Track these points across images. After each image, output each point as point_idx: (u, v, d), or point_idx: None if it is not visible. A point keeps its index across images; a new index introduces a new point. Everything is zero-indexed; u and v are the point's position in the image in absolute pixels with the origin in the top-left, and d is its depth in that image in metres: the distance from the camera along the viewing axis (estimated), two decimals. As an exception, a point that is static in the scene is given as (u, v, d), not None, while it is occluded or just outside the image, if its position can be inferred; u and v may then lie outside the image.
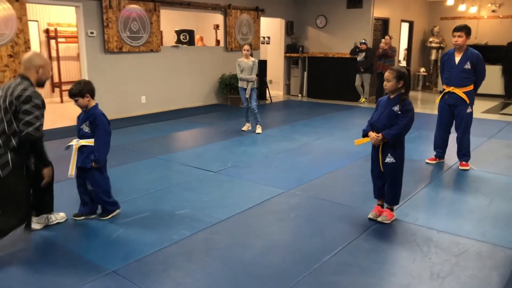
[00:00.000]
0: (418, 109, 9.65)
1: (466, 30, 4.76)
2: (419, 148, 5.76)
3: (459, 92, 4.83)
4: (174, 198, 4.01)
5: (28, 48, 6.56)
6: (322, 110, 9.13)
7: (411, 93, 12.39)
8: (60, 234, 3.26)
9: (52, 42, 9.75)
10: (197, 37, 10.34)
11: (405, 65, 12.97)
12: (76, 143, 3.40)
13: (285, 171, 4.87)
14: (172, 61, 8.90)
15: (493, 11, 11.96)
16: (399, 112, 3.22)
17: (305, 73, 11.30)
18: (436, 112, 5.22)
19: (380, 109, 3.35)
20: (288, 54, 11.49)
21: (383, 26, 11.37)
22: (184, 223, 3.45)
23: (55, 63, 9.79)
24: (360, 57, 10.01)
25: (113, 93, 7.85)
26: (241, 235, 3.27)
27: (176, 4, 8.71)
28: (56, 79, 9.87)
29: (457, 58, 4.83)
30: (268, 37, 12.04)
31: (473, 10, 12.09)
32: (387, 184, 3.40)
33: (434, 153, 5.21)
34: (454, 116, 4.97)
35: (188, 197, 4.03)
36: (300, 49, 11.42)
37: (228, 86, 9.58)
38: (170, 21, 11.13)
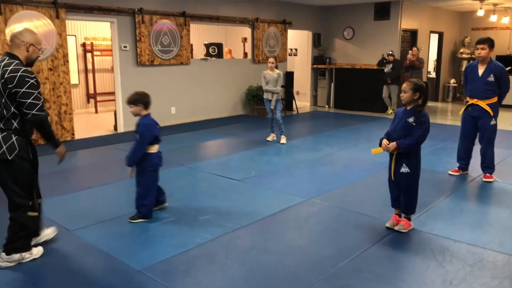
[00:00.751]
0: (447, 120, 9.58)
1: (489, 42, 4.78)
2: (443, 159, 5.76)
3: (483, 104, 4.83)
4: (198, 204, 4.20)
5: (66, 61, 6.97)
6: (348, 121, 9.20)
7: (440, 104, 12.27)
8: (93, 235, 3.49)
9: (88, 55, 10.27)
10: (225, 49, 10.64)
11: (434, 76, 12.87)
12: None
13: (307, 180, 4.99)
14: (201, 73, 9.19)
15: (526, 21, 11.74)
16: (414, 124, 3.30)
17: (332, 84, 11.39)
18: (462, 123, 5.23)
19: (396, 120, 3.45)
20: (315, 66, 11.62)
21: (411, 38, 11.36)
22: (207, 228, 3.63)
23: (90, 75, 10.29)
24: (387, 68, 10.03)
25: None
26: (260, 240, 3.42)
27: (206, 19, 9.02)
28: (91, 91, 10.35)
29: (481, 71, 4.85)
30: (296, 49, 12.23)
31: (505, 20, 11.90)
32: (402, 193, 3.48)
33: (458, 164, 5.21)
34: (478, 128, 4.98)
35: (211, 203, 4.21)
36: (327, 60, 11.54)
37: (254, 97, 9.79)
38: (200, 34, 11.49)
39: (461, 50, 12.80)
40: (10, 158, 2.82)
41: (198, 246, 3.28)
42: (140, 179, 3.74)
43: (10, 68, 2.77)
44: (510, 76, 5.03)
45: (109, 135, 7.68)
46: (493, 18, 11.81)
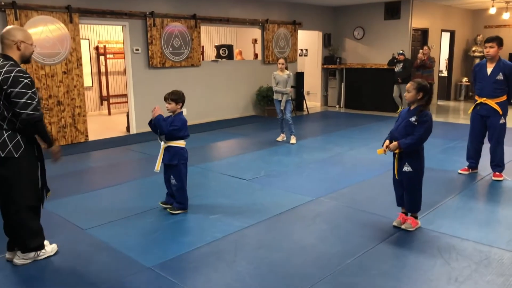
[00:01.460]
0: (459, 119, 9.52)
1: (498, 40, 4.78)
2: (452, 158, 5.76)
3: (492, 103, 4.83)
4: (208, 203, 4.28)
5: (80, 64, 7.13)
6: (359, 121, 9.21)
7: (452, 103, 12.19)
8: (105, 233, 3.59)
9: (101, 58, 10.45)
10: (236, 51, 10.73)
11: (446, 75, 12.78)
12: (163, 143, 3.95)
13: (316, 180, 5.04)
14: (211, 75, 9.29)
15: (540, 18, 11.60)
16: (416, 123, 3.34)
17: (343, 84, 11.40)
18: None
19: (399, 120, 3.50)
20: (325, 66, 11.65)
21: (422, 36, 11.31)
22: (217, 226, 3.70)
23: (103, 78, 10.47)
24: (398, 67, 10.00)
25: (156, 105, 8.28)
26: (268, 239, 3.48)
27: (216, 21, 9.12)
28: (104, 93, 10.53)
29: (489, 69, 4.84)
30: (306, 50, 12.27)
31: (518, 18, 11.77)
32: (405, 192, 3.51)
33: (467, 163, 5.21)
34: (487, 126, 4.97)
35: (221, 203, 4.29)
36: (338, 60, 11.55)
37: (265, 98, 9.86)
38: (211, 36, 11.60)
39: (474, 48, 12.70)
40: (16, 156, 2.87)
41: (208, 244, 3.36)
42: (174, 174, 3.94)
43: (4, 70, 2.77)
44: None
45: (122, 137, 7.83)
46: (505, 15, 11.69)
